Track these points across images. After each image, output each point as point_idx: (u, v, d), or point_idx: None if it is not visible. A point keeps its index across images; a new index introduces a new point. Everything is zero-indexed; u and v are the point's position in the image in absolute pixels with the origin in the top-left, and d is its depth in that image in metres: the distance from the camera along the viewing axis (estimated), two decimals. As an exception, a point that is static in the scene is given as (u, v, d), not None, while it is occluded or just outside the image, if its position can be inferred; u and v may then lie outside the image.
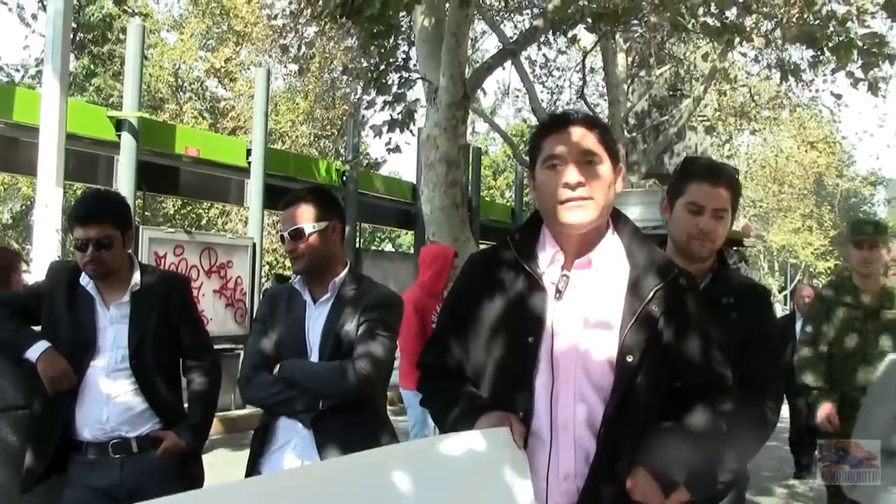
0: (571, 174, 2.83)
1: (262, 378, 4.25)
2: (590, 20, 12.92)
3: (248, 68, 33.70)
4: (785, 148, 36.66)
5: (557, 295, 2.87)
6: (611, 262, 2.92)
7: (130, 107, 13.92)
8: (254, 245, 15.37)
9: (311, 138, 36.09)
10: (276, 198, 18.53)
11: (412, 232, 24.49)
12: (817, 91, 25.15)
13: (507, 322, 2.90)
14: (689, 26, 11.52)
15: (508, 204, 39.15)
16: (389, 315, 4.36)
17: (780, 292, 61.43)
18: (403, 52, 13.59)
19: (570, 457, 2.79)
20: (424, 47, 11.21)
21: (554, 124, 2.98)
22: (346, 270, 4.37)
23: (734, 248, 15.28)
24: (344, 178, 20.33)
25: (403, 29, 13.67)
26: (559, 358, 2.81)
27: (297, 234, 4.24)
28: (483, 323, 2.95)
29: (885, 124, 49.21)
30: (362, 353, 4.12)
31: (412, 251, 21.85)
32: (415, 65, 12.85)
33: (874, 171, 59.61)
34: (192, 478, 4.56)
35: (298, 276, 4.39)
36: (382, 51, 12.60)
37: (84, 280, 4.39)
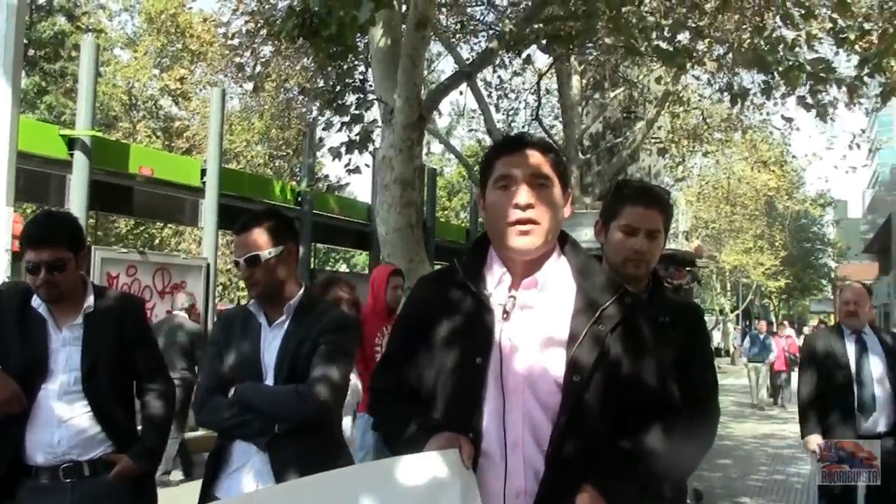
0: (522, 195, 2.85)
1: (217, 401, 4.23)
2: (544, 42, 12.99)
3: (204, 87, 33.53)
4: (737, 170, 37.05)
5: (505, 315, 2.87)
6: (558, 282, 2.94)
7: (84, 125, 13.80)
8: (208, 266, 15.30)
9: (266, 158, 35.99)
10: (231, 218, 18.41)
11: (367, 252, 24.45)
12: (768, 114, 25.34)
13: (455, 343, 2.91)
14: (643, 49, 11.59)
15: (463, 225, 39.23)
16: (345, 338, 4.36)
17: (731, 311, 61.97)
18: (361, 72, 13.58)
19: (520, 476, 2.79)
20: (380, 68, 11.18)
21: (507, 146, 3.01)
22: (301, 292, 4.36)
23: (687, 268, 15.37)
24: (299, 198, 20.29)
25: (360, 50, 13.67)
26: (508, 378, 2.82)
27: (253, 261, 4.23)
28: (433, 344, 2.96)
29: (833, 146, 49.86)
30: (318, 377, 4.10)
31: (367, 271, 21.84)
32: (371, 86, 12.86)
33: (823, 192, 60.39)
34: (145, 502, 4.55)
35: (253, 300, 4.36)
36: (339, 71, 12.61)
37: (36, 302, 4.34)
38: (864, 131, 24.43)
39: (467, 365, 2.86)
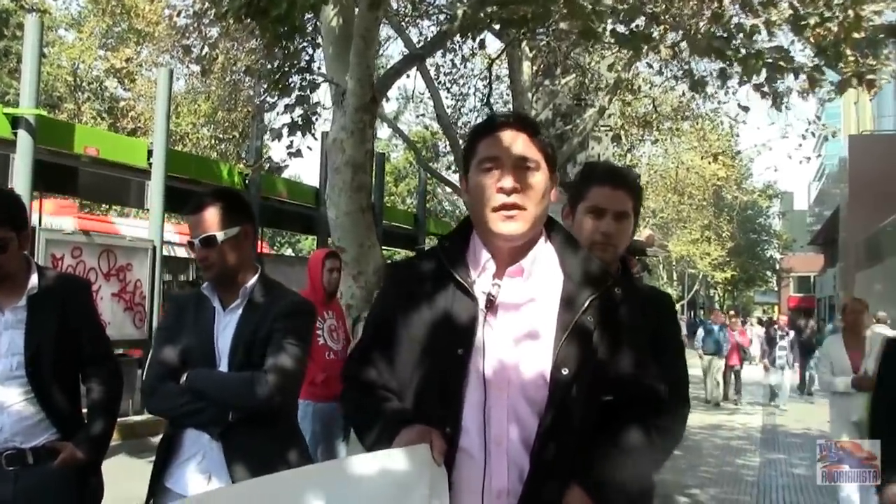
0: (507, 179, 2.75)
1: (167, 388, 4.07)
2: (497, 26, 12.86)
3: (150, 68, 33.14)
4: (685, 159, 37.19)
5: (488, 304, 2.75)
6: (544, 269, 2.84)
7: (28, 104, 13.47)
8: (154, 248, 15.08)
9: (213, 141, 35.66)
10: (177, 200, 18.20)
11: (314, 237, 24.26)
12: (720, 103, 25.49)
13: (435, 333, 2.78)
14: (600, 30, 11.51)
15: (410, 210, 39.15)
16: (301, 323, 4.23)
17: (677, 301, 62.54)
18: (308, 54, 13.38)
19: (503, 474, 2.68)
20: (332, 49, 11.02)
21: (491, 126, 2.89)
22: (256, 276, 4.22)
23: (637, 257, 15.39)
24: (247, 181, 20.08)
25: (308, 31, 13.49)
26: (490, 371, 2.71)
27: (208, 242, 4.07)
28: (409, 334, 2.83)
29: (788, 135, 50.47)
30: (273, 364, 3.97)
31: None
32: (319, 67, 12.71)
33: (770, 183, 60.97)
34: (91, 491, 4.40)
35: (207, 282, 4.20)
36: (286, 52, 12.42)
37: None
38: (819, 118, 24.62)
39: (448, 356, 2.74)
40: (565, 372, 2.68)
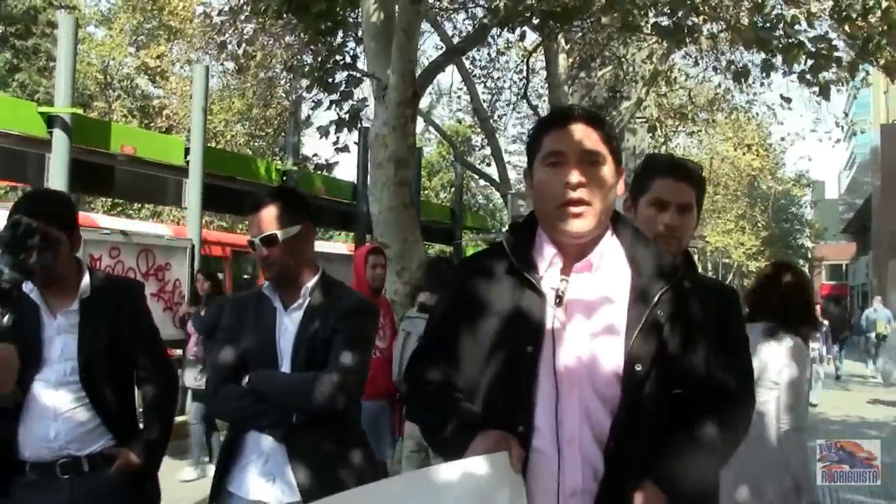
0: (573, 174, 2.68)
1: (229, 390, 4.02)
2: (537, 19, 12.81)
3: (182, 66, 33.23)
4: (720, 150, 37.11)
5: (557, 301, 2.70)
6: (612, 265, 2.77)
7: (63, 102, 13.43)
8: (192, 246, 15.04)
9: (247, 138, 35.76)
10: (215, 198, 18.11)
11: (349, 233, 24.21)
12: (755, 94, 25.44)
13: (503, 331, 2.72)
14: (642, 24, 11.43)
15: (445, 204, 39.09)
16: (363, 322, 4.18)
17: (712, 293, 62.41)
18: (350, 48, 13.34)
19: (577, 473, 2.63)
20: (373, 44, 10.95)
21: (557, 119, 2.84)
22: (318, 275, 4.16)
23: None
24: (284, 177, 20.07)
25: (350, 25, 13.42)
26: (562, 368, 2.65)
27: (270, 241, 4.01)
28: (477, 332, 2.77)
29: (817, 129, 50.51)
30: (336, 364, 3.90)
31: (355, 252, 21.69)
32: (361, 62, 12.68)
33: (802, 172, 60.86)
34: (148, 497, 4.33)
35: (267, 282, 4.14)
36: (329, 48, 12.38)
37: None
38: (847, 114, 24.62)
39: (517, 354, 2.68)
40: (638, 368, 2.64)
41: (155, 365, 4.41)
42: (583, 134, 2.73)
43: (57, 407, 3.99)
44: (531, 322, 2.68)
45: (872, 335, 26.11)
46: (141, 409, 4.50)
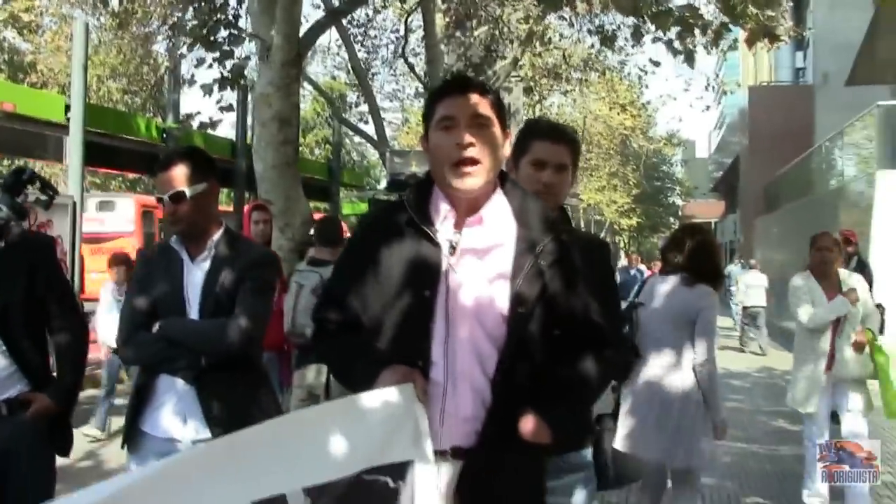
0: (464, 136, 3.00)
1: (142, 337, 4.27)
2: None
3: (53, 19, 32.53)
4: (593, 109, 37.66)
5: (451, 250, 3.03)
6: (500, 218, 3.09)
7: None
8: (74, 204, 14.98)
9: (121, 94, 35.23)
10: (96, 155, 17.97)
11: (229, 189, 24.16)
12: (627, 55, 25.94)
13: (403, 277, 3.05)
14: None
15: (318, 161, 38.98)
16: (267, 273, 4.47)
17: (584, 249, 62.99)
18: (233, 7, 13.40)
19: (467, 402, 2.98)
20: (256, 5, 11.12)
21: (448, 88, 3.16)
22: (222, 229, 4.41)
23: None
24: (164, 135, 20.00)
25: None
26: (454, 310, 2.99)
27: (178, 197, 4.24)
28: (380, 279, 3.08)
29: (690, 88, 51.58)
30: (243, 311, 4.19)
31: (232, 208, 21.68)
32: (242, 21, 12.77)
33: (674, 132, 61.75)
34: (62, 439, 4.57)
35: (175, 236, 4.40)
36: (211, 6, 12.46)
37: None
38: (717, 74, 25.17)
39: (415, 297, 3.01)
40: (522, 310, 2.98)
41: (67, 315, 4.61)
42: (471, 100, 3.06)
43: None
44: (428, 269, 3.02)
45: (733, 288, 26.23)
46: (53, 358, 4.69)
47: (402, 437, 2.87)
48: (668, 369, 5.98)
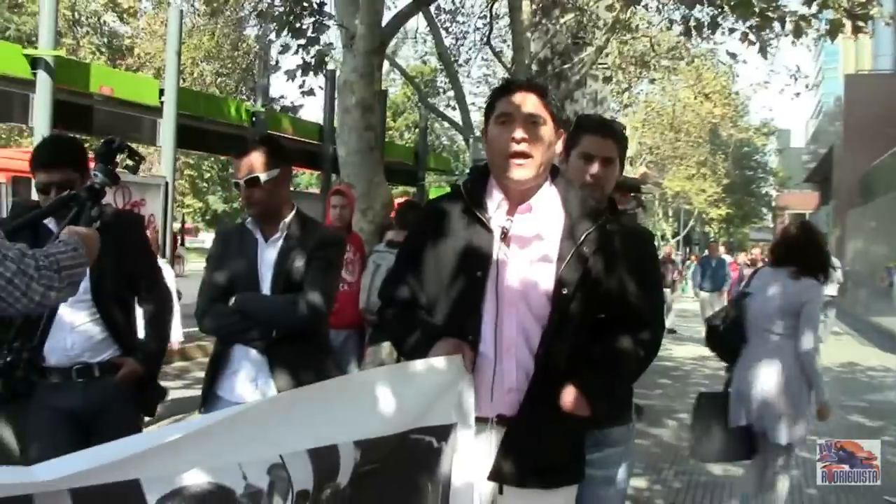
0: (518, 131, 3.34)
1: (218, 309, 4.65)
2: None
3: (149, 3, 33.25)
4: (682, 97, 37.44)
5: (502, 236, 3.36)
6: (548, 208, 3.44)
7: (46, 45, 13.86)
8: (166, 184, 15.52)
9: (213, 76, 35.85)
10: (188, 137, 18.47)
11: (316, 172, 24.57)
12: (715, 43, 25.83)
13: (459, 260, 3.41)
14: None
15: (407, 145, 39.26)
16: (334, 253, 4.84)
17: (673, 237, 62.66)
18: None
19: (512, 374, 3.34)
20: (342, -6, 11.43)
21: (507, 88, 3.52)
22: (293, 212, 4.78)
23: (632, 194, 15.83)
24: (253, 118, 20.50)
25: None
26: (504, 290, 3.34)
27: (253, 182, 4.60)
28: (438, 261, 3.45)
29: (770, 81, 50.87)
30: (312, 288, 4.55)
31: (318, 191, 22.10)
32: (327, 8, 13.09)
33: (766, 121, 61.03)
34: (149, 399, 4.97)
35: (249, 217, 4.77)
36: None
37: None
38: (798, 68, 24.78)
39: (469, 278, 3.37)
40: (565, 291, 3.32)
41: (153, 288, 5.03)
42: (527, 99, 3.40)
43: (73, 321, 4.62)
44: (481, 253, 3.37)
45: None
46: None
47: (448, 402, 3.25)
48: (773, 354, 6.43)
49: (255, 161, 4.63)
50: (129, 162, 4.33)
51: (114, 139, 4.16)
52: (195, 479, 2.40)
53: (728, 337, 6.71)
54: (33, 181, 4.68)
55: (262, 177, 4.60)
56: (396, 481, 3.18)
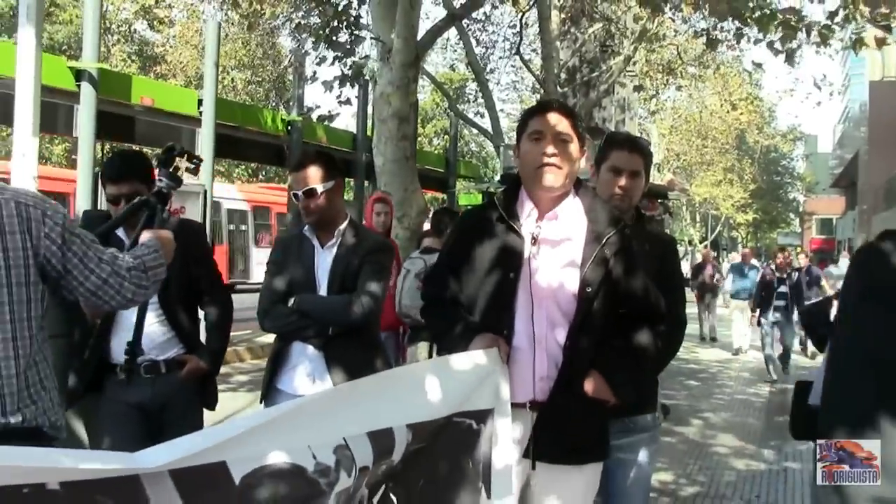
0: (549, 147, 3.73)
1: (279, 310, 5.03)
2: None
3: (182, 11, 33.59)
4: (709, 104, 37.64)
5: (533, 241, 3.78)
6: (573, 216, 3.83)
7: (90, 57, 14.24)
8: (205, 192, 15.86)
9: (244, 84, 36.26)
10: (225, 146, 18.81)
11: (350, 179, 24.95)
12: (741, 51, 25.99)
13: (493, 263, 3.80)
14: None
15: (437, 151, 39.52)
16: (384, 258, 5.21)
17: (700, 242, 62.60)
18: (354, 9, 14.13)
19: (544, 364, 3.74)
20: (379, 9, 11.79)
21: (540, 108, 3.94)
22: (347, 221, 5.17)
23: (659, 200, 16.15)
24: (289, 127, 20.92)
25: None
26: (534, 290, 3.73)
27: (311, 193, 4.98)
28: (475, 263, 3.85)
29: (796, 89, 50.91)
30: (364, 290, 4.94)
31: (352, 198, 22.44)
32: (363, 21, 13.47)
33: (794, 127, 60.95)
34: (210, 395, 5.35)
35: (307, 226, 5.13)
36: (335, 9, 13.20)
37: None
38: (825, 76, 24.93)
39: (503, 279, 3.77)
40: (589, 289, 3.71)
41: (215, 291, 5.42)
42: (557, 119, 3.79)
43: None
44: (513, 256, 3.77)
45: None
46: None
47: (486, 390, 3.66)
48: None
49: (312, 174, 5.00)
50: (190, 165, 4.70)
51: (174, 146, 4.53)
52: (273, 459, 2.77)
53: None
54: (102, 193, 5.04)
55: (319, 188, 4.97)
56: (440, 457, 3.57)
